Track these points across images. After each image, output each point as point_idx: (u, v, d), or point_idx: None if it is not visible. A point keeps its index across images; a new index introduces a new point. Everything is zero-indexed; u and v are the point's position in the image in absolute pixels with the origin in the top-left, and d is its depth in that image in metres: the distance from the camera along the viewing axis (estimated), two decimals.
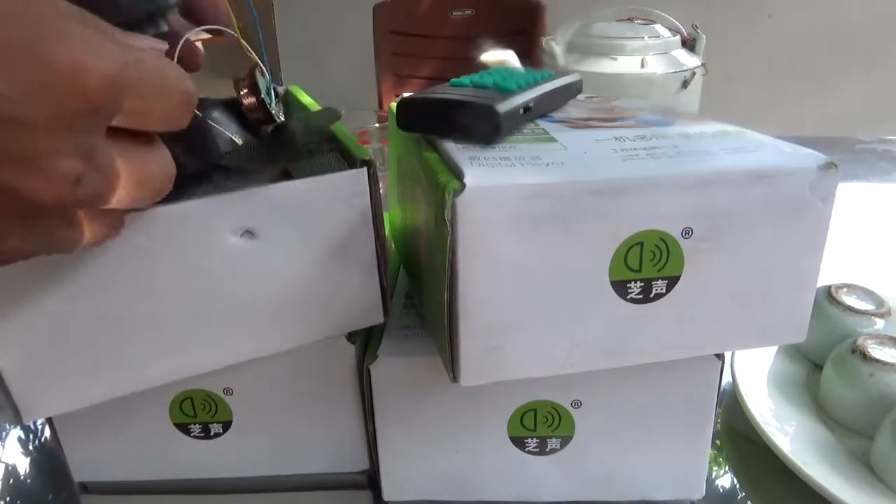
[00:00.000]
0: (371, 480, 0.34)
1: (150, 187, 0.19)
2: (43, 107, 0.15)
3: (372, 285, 0.28)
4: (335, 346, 0.30)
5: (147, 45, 0.20)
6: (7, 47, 0.15)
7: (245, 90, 0.27)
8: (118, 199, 0.18)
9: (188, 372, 0.27)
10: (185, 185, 0.25)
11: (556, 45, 0.83)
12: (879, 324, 0.40)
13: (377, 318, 0.29)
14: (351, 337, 0.30)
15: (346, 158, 0.27)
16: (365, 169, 0.26)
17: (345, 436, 0.33)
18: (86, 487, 0.35)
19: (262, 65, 0.29)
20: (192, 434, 0.33)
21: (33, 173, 0.16)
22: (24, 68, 0.15)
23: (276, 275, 0.26)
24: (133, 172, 0.18)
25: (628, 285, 0.24)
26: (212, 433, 0.33)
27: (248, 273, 0.26)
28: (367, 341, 0.31)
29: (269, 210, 0.25)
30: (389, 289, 0.30)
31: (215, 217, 0.24)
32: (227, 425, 0.33)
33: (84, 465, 0.34)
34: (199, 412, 0.32)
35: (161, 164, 0.20)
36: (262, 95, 0.28)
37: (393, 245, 0.41)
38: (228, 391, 0.32)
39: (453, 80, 0.29)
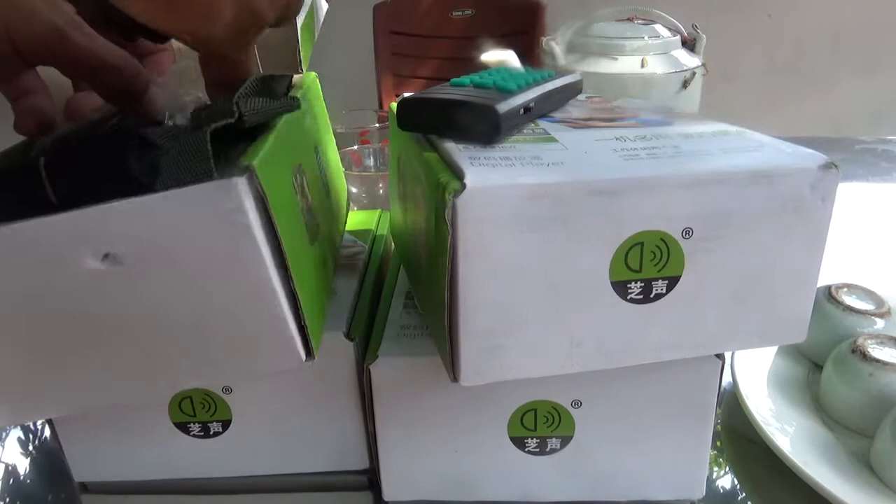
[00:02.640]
0: (371, 481, 0.34)
1: None
2: None
3: (277, 323, 0.22)
4: (333, 342, 0.30)
5: None
6: None
7: None
8: None
9: (68, 410, 0.24)
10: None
11: (556, 45, 0.83)
12: (879, 324, 0.40)
13: (292, 360, 0.24)
14: (349, 333, 0.30)
15: (237, 162, 0.21)
16: (242, 178, 0.20)
17: (345, 433, 0.33)
18: (86, 487, 0.35)
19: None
20: (191, 433, 0.33)
21: None
22: None
23: (153, 307, 0.22)
24: None
25: (629, 285, 0.24)
26: (211, 432, 0.33)
27: (118, 303, 0.21)
28: (366, 341, 0.31)
29: (126, 231, 0.20)
30: (314, 325, 0.25)
31: (63, 238, 0.21)
32: (226, 424, 0.33)
33: (84, 464, 0.34)
34: (199, 411, 0.32)
35: None
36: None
37: (393, 245, 0.41)
38: (227, 389, 0.32)
39: (453, 80, 0.29)
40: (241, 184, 0.20)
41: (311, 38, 0.44)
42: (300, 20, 0.39)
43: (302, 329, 0.23)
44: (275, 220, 0.21)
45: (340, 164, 0.41)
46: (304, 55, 0.40)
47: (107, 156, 0.22)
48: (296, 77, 0.35)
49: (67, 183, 0.22)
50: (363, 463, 0.34)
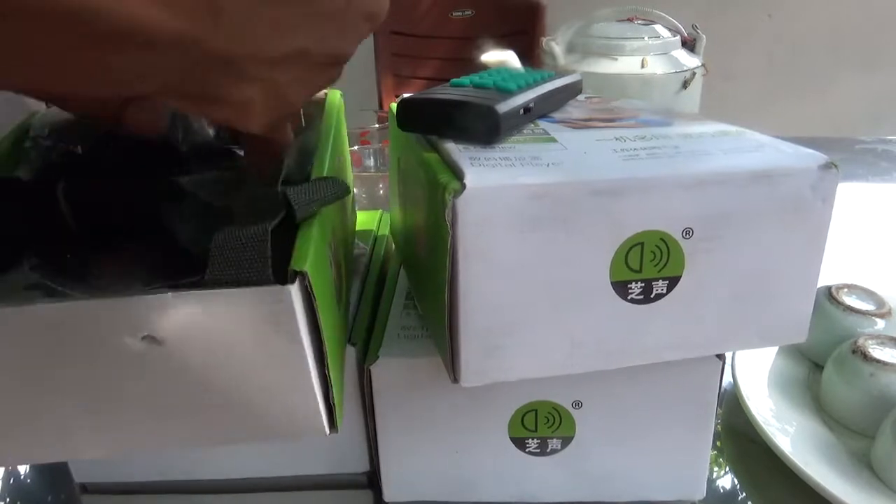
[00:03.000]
0: (371, 482, 0.34)
1: None
2: None
3: (309, 408, 0.23)
4: None
5: None
6: None
7: None
8: None
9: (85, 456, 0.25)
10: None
11: (556, 45, 0.83)
12: (880, 324, 0.40)
13: (317, 433, 0.24)
14: (350, 338, 0.30)
15: (283, 262, 0.21)
16: (295, 286, 0.21)
17: (345, 437, 0.33)
18: (86, 488, 0.35)
19: None
20: None
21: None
22: None
23: (185, 382, 0.22)
24: None
25: (629, 286, 0.24)
26: None
27: (149, 375, 0.22)
28: (367, 342, 0.31)
29: (171, 317, 0.21)
30: (339, 397, 0.25)
31: (105, 320, 0.21)
32: None
33: (84, 465, 0.34)
34: None
35: None
36: None
37: (394, 245, 0.41)
38: None
39: (453, 80, 0.29)
40: (294, 292, 0.20)
41: None
42: None
43: (330, 407, 0.24)
44: (320, 321, 0.22)
45: (351, 175, 0.41)
46: None
47: (145, 210, 0.23)
48: (320, 94, 0.35)
49: (95, 226, 0.23)
50: (363, 466, 0.34)
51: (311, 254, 0.22)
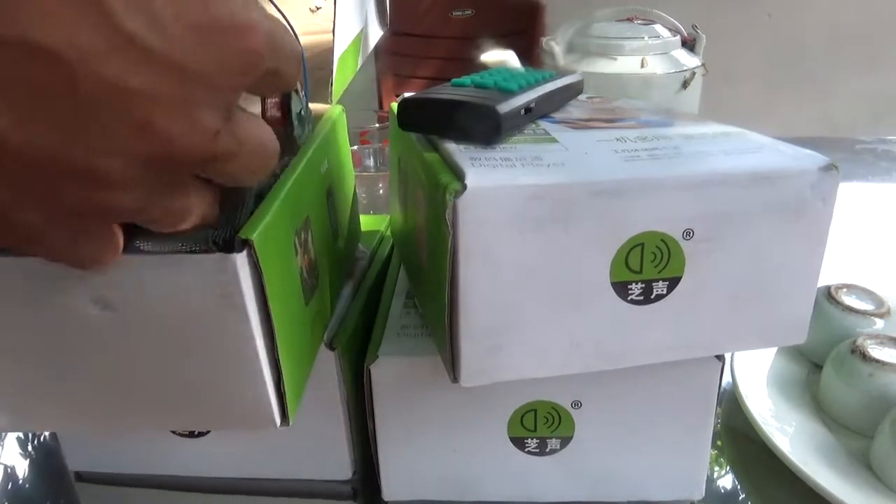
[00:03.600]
0: (355, 494, 0.34)
1: (262, 158, 0.19)
2: (206, 56, 0.16)
3: (257, 391, 0.23)
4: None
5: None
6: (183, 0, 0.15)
7: (274, 101, 0.25)
8: (238, 165, 0.18)
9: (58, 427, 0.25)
10: None
11: (556, 45, 0.83)
12: (879, 324, 0.40)
13: (267, 423, 0.24)
14: (332, 343, 0.30)
15: (233, 232, 0.21)
16: (242, 255, 0.20)
17: (328, 442, 0.33)
18: (80, 476, 0.36)
19: (302, 87, 0.27)
20: (177, 431, 0.33)
21: (180, 118, 0.16)
22: (195, 17, 0.15)
23: (138, 352, 0.22)
24: (252, 140, 0.19)
25: (629, 286, 0.24)
26: (196, 432, 0.33)
27: (105, 342, 0.22)
28: (362, 343, 0.31)
29: (124, 282, 0.21)
30: (294, 390, 0.25)
31: (62, 279, 0.21)
32: None
33: (78, 454, 0.35)
34: None
35: (271, 137, 0.20)
36: (292, 117, 0.26)
37: (394, 246, 0.41)
38: None
39: (454, 80, 0.29)
40: (238, 259, 0.20)
41: (354, 65, 0.42)
42: (340, 50, 0.37)
43: (281, 396, 0.23)
44: (268, 296, 0.22)
45: (354, 188, 0.40)
46: (339, 85, 0.38)
47: None
48: (321, 107, 0.35)
49: None
50: (346, 473, 0.34)
51: (262, 228, 0.21)
